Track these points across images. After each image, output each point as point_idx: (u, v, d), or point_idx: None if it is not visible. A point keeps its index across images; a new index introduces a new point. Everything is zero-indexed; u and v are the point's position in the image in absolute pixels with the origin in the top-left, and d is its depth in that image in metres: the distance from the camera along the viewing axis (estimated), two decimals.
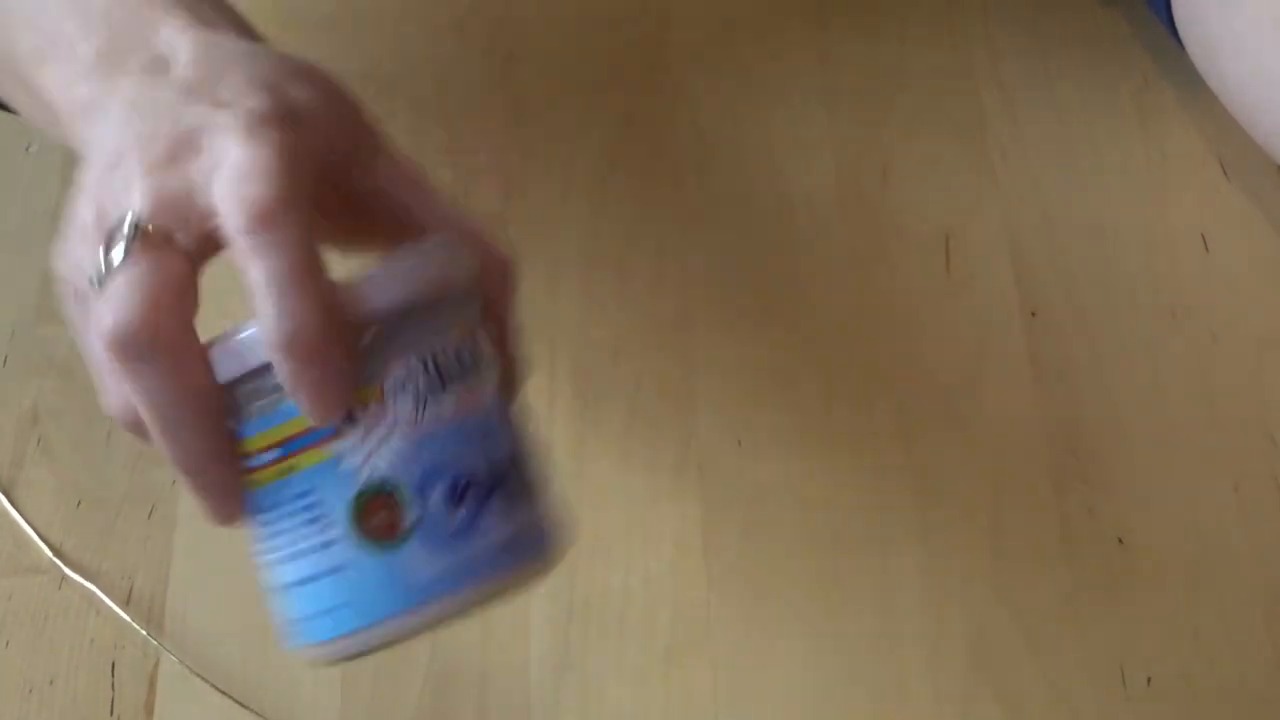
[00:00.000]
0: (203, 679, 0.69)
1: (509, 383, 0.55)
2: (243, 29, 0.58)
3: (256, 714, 0.68)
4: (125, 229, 0.50)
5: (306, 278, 0.48)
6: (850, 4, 0.86)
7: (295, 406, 0.49)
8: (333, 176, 0.53)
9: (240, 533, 0.52)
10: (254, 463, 0.50)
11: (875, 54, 0.84)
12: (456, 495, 0.50)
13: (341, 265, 0.51)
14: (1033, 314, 0.75)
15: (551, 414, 0.74)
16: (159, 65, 0.54)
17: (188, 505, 0.71)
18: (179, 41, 0.54)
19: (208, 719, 0.69)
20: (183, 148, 0.51)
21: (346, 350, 0.49)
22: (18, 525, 0.74)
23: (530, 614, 0.69)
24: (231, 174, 0.49)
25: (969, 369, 0.74)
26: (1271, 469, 0.71)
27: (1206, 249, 0.77)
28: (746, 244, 0.78)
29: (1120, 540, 0.70)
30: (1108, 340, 0.75)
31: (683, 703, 0.67)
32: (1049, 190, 0.79)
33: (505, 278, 0.55)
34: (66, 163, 0.83)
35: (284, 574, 0.51)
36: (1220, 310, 0.75)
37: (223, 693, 0.69)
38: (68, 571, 0.73)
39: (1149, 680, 0.66)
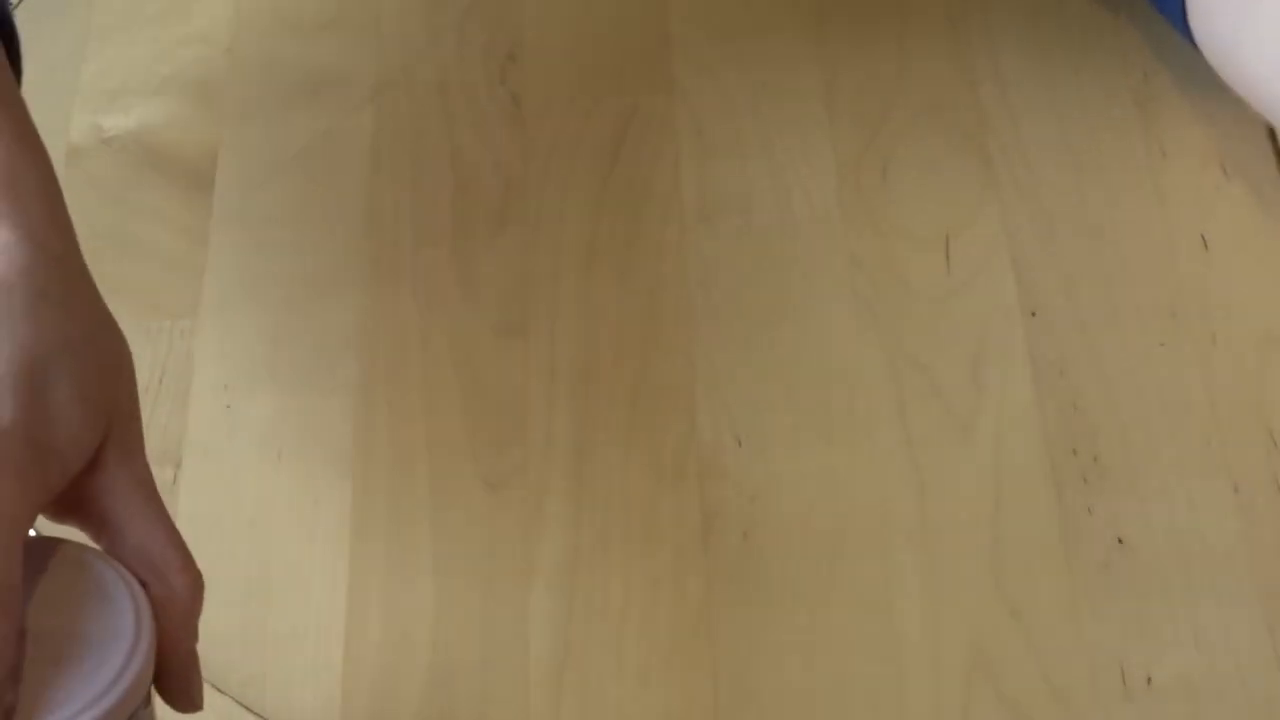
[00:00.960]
0: (202, 679, 0.69)
1: (192, 701, 0.53)
2: (54, 232, 0.51)
3: (256, 714, 0.68)
4: None
5: None
6: (850, 4, 0.86)
7: None
8: (62, 482, 0.49)
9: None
10: None
11: (875, 54, 0.84)
12: None
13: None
14: (1033, 314, 0.75)
15: (551, 414, 0.74)
16: None
17: (185, 504, 0.71)
18: None
19: (207, 719, 0.69)
20: None
21: None
22: None
23: (530, 614, 0.69)
24: None
25: (969, 369, 0.74)
26: (1271, 469, 0.71)
27: (1206, 249, 0.77)
28: (746, 244, 0.78)
29: (1120, 540, 0.69)
30: (1108, 340, 0.75)
31: (683, 703, 0.67)
32: (1049, 190, 0.79)
33: (188, 611, 0.52)
34: (69, 162, 0.83)
35: None
36: (1220, 310, 0.75)
37: (223, 693, 0.68)
38: None
39: (1149, 680, 0.66)
